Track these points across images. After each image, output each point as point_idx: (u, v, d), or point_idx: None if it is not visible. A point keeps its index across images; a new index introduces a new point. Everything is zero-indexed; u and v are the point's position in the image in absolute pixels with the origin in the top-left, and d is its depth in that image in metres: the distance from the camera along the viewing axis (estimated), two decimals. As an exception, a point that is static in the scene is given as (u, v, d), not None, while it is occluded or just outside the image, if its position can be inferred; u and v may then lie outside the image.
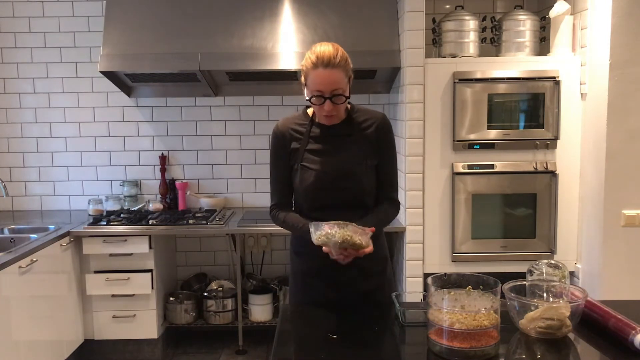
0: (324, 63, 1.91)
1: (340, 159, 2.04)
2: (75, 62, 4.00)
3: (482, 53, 3.43)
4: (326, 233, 1.82)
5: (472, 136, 3.28)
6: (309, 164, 2.04)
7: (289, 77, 3.72)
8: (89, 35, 3.95)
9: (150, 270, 3.51)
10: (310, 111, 2.12)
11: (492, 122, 3.28)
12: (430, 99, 3.28)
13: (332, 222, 1.84)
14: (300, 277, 2.12)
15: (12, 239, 3.35)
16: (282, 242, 4.15)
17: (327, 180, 2.02)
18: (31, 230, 3.43)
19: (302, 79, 2.00)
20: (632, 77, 2.93)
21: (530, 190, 3.33)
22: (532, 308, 1.66)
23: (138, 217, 3.65)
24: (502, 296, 1.64)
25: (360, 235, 1.84)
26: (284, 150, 2.09)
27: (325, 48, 1.93)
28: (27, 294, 2.99)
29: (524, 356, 1.63)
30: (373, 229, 1.91)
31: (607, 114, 2.96)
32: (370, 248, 1.88)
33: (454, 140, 3.29)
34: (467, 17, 3.35)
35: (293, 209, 2.16)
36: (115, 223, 3.55)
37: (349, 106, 2.09)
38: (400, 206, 2.21)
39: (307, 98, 1.99)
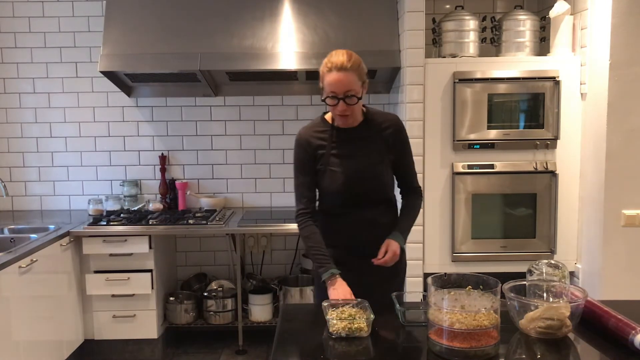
0: (337, 67, 2.08)
1: (362, 160, 2.22)
2: (75, 62, 4.00)
3: (482, 53, 3.43)
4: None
5: (472, 136, 3.28)
6: (335, 167, 2.21)
7: (289, 77, 3.73)
8: (89, 35, 3.95)
9: (150, 270, 3.51)
10: (328, 117, 2.26)
11: (492, 122, 3.28)
12: (430, 99, 3.28)
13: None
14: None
15: (12, 239, 3.35)
16: (282, 242, 4.16)
17: (353, 181, 2.20)
18: (31, 230, 3.43)
19: (320, 82, 2.17)
20: (632, 77, 2.93)
21: (530, 190, 3.33)
22: (532, 308, 1.66)
23: (138, 217, 3.65)
24: (502, 296, 1.64)
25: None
26: (310, 156, 2.24)
27: (340, 54, 2.11)
28: (27, 294, 2.99)
29: (524, 356, 1.63)
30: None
31: (607, 114, 2.96)
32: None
33: (454, 140, 3.29)
34: (467, 17, 3.35)
35: (317, 208, 2.31)
36: (115, 223, 3.55)
37: (364, 109, 2.25)
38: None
39: (322, 98, 2.16)
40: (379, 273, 2.20)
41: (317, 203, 2.32)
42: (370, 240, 2.22)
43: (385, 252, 2.17)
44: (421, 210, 3.29)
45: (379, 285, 2.21)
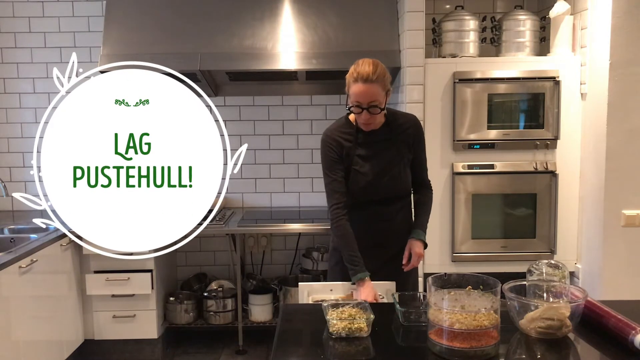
0: (362, 78, 2.18)
1: (384, 161, 2.36)
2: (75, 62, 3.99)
3: (482, 53, 3.43)
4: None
5: (472, 136, 3.28)
6: (359, 167, 2.35)
7: (289, 77, 3.73)
8: (89, 35, 3.95)
9: (150, 270, 3.51)
10: (352, 118, 2.37)
11: (492, 122, 3.28)
12: (430, 99, 3.28)
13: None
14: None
15: (12, 239, 3.34)
16: (282, 242, 4.15)
17: (374, 181, 2.35)
18: (31, 230, 3.42)
19: (346, 89, 2.28)
20: (632, 77, 2.93)
21: (530, 190, 3.33)
22: (532, 308, 1.65)
23: (138, 217, 3.64)
24: (502, 296, 1.64)
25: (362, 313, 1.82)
26: (338, 155, 2.35)
27: (366, 64, 2.20)
28: (27, 294, 2.99)
29: (524, 356, 1.63)
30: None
31: (607, 114, 2.96)
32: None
33: (454, 140, 3.29)
34: (467, 17, 3.35)
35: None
36: (115, 223, 3.54)
37: (385, 111, 2.34)
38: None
39: (347, 107, 2.29)
40: (391, 265, 2.40)
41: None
42: (386, 232, 2.42)
43: (410, 256, 2.39)
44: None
45: (393, 279, 2.34)
